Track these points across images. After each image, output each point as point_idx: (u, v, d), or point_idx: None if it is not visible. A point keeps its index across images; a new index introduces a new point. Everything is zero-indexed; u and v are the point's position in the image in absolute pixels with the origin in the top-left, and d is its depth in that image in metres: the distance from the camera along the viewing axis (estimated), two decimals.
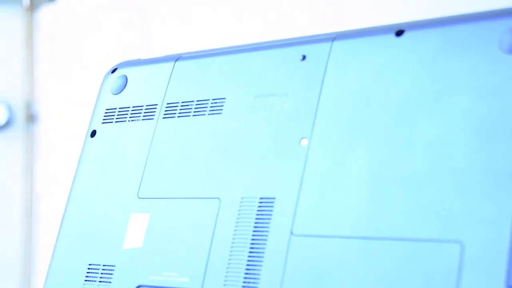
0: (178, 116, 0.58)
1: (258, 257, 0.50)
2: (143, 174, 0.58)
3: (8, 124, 1.48)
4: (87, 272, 0.57)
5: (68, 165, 1.40)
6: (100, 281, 0.56)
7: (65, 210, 0.61)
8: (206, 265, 0.52)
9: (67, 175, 1.37)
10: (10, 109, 1.48)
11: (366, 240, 0.46)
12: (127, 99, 0.62)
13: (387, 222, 0.46)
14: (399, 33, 0.50)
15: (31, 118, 1.49)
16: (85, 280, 0.57)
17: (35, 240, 1.48)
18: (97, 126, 0.63)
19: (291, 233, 0.49)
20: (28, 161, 1.49)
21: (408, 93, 0.48)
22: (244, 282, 0.50)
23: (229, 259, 0.51)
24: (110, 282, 0.56)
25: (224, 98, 0.56)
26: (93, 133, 0.63)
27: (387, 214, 0.46)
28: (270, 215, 0.50)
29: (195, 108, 0.58)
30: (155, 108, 0.60)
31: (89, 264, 0.57)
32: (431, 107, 0.47)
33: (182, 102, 0.59)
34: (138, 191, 0.57)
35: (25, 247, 1.48)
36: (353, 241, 0.47)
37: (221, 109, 0.56)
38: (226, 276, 0.51)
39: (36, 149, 1.49)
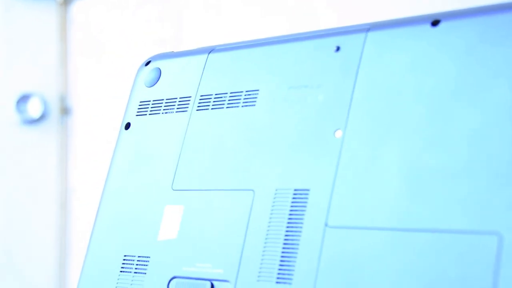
0: (212, 108, 0.58)
1: (293, 249, 0.50)
2: (177, 166, 0.58)
3: (42, 117, 1.50)
4: (123, 263, 0.58)
5: (102, 157, 1.41)
6: (135, 272, 0.57)
7: (100, 202, 0.62)
8: (241, 256, 0.52)
9: (101, 167, 1.39)
10: (44, 102, 1.49)
11: (401, 232, 0.46)
12: (160, 92, 0.62)
13: (422, 214, 0.45)
14: (435, 23, 0.50)
15: (65, 111, 1.51)
16: (121, 271, 0.57)
17: (69, 233, 1.50)
18: (131, 119, 0.63)
19: (326, 225, 0.49)
20: (63, 154, 1.51)
21: (445, 85, 0.48)
22: (278, 273, 0.50)
23: (263, 251, 0.51)
24: (145, 273, 0.56)
25: (257, 90, 0.56)
26: (127, 126, 0.63)
27: (423, 205, 0.46)
28: (305, 207, 0.50)
29: (229, 100, 0.58)
30: (189, 100, 0.60)
31: (124, 256, 0.58)
32: (468, 99, 0.46)
33: (216, 94, 0.59)
34: (173, 183, 0.58)
35: (60, 240, 1.50)
36: (389, 232, 0.46)
37: (255, 101, 0.56)
38: (260, 268, 0.51)
39: (71, 142, 1.50)
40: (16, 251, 1.50)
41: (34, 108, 1.49)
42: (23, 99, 1.49)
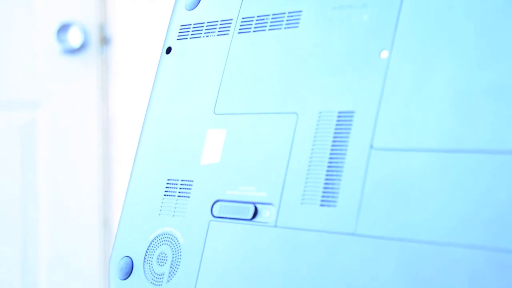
0: (254, 31, 0.57)
1: (337, 171, 0.49)
2: (219, 90, 0.57)
3: (83, 47, 1.50)
4: (166, 187, 0.58)
5: (142, 85, 1.41)
6: (179, 196, 0.57)
7: (142, 127, 0.61)
8: (284, 180, 0.51)
9: (142, 94, 1.39)
10: (84, 32, 1.49)
11: (449, 153, 0.45)
12: (201, 15, 0.61)
13: (471, 134, 0.44)
14: None
15: (105, 40, 1.50)
16: (164, 195, 0.58)
17: (113, 160, 1.52)
18: (172, 43, 0.62)
19: (371, 147, 0.48)
20: (104, 83, 1.51)
21: (495, 2, 0.46)
22: (322, 196, 0.49)
23: (307, 174, 0.50)
24: (188, 197, 0.56)
25: (300, 11, 0.55)
26: (168, 50, 0.62)
27: (471, 126, 0.44)
28: (349, 129, 0.49)
29: (271, 22, 0.56)
30: (230, 23, 0.59)
31: (168, 179, 0.58)
32: None
33: (258, 16, 0.57)
34: (215, 107, 0.57)
35: (103, 167, 1.52)
36: (435, 154, 0.45)
37: (298, 23, 0.55)
38: (304, 191, 0.50)
39: (111, 70, 1.50)
40: (60, 177, 1.53)
41: (74, 38, 1.49)
42: (63, 28, 1.49)
